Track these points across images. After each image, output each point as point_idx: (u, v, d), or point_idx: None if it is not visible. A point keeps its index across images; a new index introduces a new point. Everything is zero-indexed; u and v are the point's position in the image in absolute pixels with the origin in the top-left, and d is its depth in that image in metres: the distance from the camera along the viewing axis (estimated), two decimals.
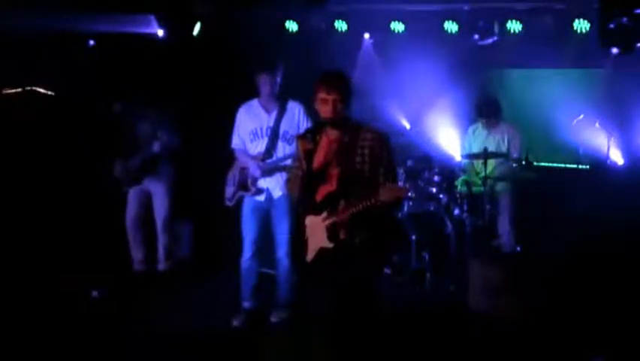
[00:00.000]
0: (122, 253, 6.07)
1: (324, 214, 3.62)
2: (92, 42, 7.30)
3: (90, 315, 5.24)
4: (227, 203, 5.16)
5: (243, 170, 5.05)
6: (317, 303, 4.06)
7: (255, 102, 5.03)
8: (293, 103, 4.96)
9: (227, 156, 5.23)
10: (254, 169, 4.95)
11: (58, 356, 4.56)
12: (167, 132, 5.80)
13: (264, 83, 4.89)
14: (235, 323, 4.99)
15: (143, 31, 7.01)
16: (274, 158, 4.94)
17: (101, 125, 6.12)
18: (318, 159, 3.67)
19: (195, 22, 7.16)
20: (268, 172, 4.94)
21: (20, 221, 6.59)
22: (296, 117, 4.94)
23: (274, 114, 4.94)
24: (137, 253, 6.05)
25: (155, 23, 7.02)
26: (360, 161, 3.59)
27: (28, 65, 6.88)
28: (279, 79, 4.93)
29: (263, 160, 4.94)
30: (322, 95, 3.62)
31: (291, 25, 7.63)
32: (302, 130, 4.80)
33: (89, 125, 6.66)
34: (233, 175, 5.14)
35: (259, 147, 4.96)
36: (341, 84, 3.64)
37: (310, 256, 3.75)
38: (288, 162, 4.88)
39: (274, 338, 4.88)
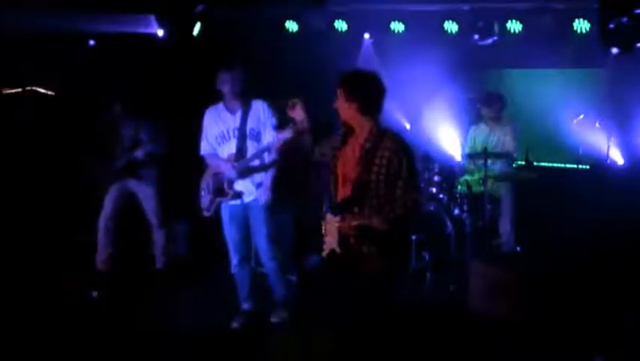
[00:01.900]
0: (123, 253, 6.07)
1: (338, 218, 3.55)
2: (92, 42, 7.31)
3: (90, 315, 5.24)
4: (206, 213, 4.93)
5: (217, 175, 4.85)
6: (319, 303, 4.05)
7: (219, 105, 4.90)
8: (257, 101, 4.84)
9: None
10: (229, 171, 4.77)
11: (58, 356, 4.56)
12: (152, 139, 5.73)
13: (224, 81, 4.75)
14: (235, 324, 4.97)
15: (143, 31, 7.02)
16: (246, 157, 4.79)
17: (99, 125, 6.11)
18: (343, 161, 3.62)
19: (195, 22, 7.17)
20: (242, 173, 4.78)
21: (20, 221, 6.59)
22: (261, 114, 4.81)
23: (239, 114, 4.80)
24: (102, 252, 5.90)
25: (155, 23, 7.03)
26: (376, 171, 3.48)
27: (28, 65, 6.88)
28: (239, 77, 4.77)
29: (236, 161, 4.78)
30: (338, 96, 3.59)
31: (291, 25, 7.64)
32: (268, 126, 4.76)
33: (88, 125, 6.66)
34: (206, 183, 4.92)
35: (228, 149, 4.82)
36: (354, 88, 3.55)
37: (325, 253, 3.73)
38: (265, 159, 4.82)
39: (274, 338, 4.88)
